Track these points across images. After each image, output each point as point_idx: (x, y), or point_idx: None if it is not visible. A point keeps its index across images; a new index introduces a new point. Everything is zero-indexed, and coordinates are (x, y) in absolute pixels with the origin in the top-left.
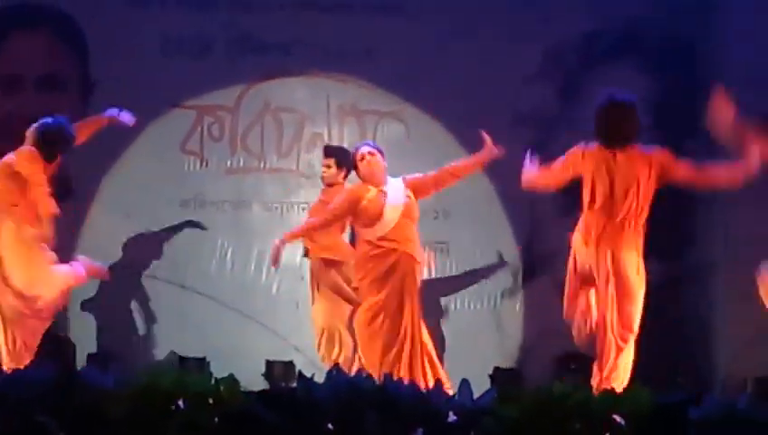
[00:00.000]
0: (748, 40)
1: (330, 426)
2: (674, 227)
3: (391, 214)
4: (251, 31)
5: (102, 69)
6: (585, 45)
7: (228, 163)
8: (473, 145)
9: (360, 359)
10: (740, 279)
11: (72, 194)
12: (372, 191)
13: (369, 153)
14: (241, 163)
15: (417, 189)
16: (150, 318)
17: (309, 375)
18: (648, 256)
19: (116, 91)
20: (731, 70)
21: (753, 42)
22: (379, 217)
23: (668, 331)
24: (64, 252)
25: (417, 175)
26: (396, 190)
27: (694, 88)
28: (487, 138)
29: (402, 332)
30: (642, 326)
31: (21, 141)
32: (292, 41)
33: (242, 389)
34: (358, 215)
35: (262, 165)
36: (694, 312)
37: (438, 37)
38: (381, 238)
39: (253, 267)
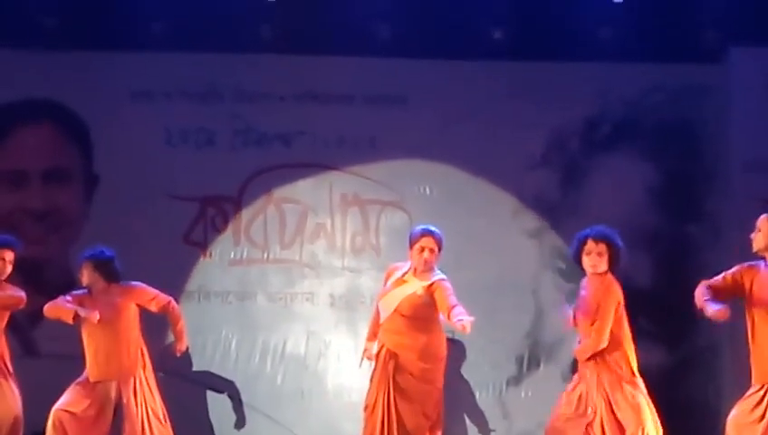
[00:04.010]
0: (748, 122)
1: None
2: (679, 312)
3: (385, 305)
4: (253, 122)
5: (107, 161)
6: (587, 130)
7: (232, 254)
8: (476, 233)
9: None
10: (742, 362)
11: (76, 285)
12: (396, 275)
13: (430, 250)
14: (245, 254)
15: (432, 301)
16: None
17: None
18: (654, 340)
19: (120, 184)
20: (731, 153)
21: (753, 124)
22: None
23: (675, 413)
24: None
25: (449, 290)
26: (410, 287)
27: (695, 171)
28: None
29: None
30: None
31: (25, 235)
32: (294, 132)
33: None
34: None
35: (265, 256)
36: (700, 394)
37: (440, 126)
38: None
39: (257, 358)
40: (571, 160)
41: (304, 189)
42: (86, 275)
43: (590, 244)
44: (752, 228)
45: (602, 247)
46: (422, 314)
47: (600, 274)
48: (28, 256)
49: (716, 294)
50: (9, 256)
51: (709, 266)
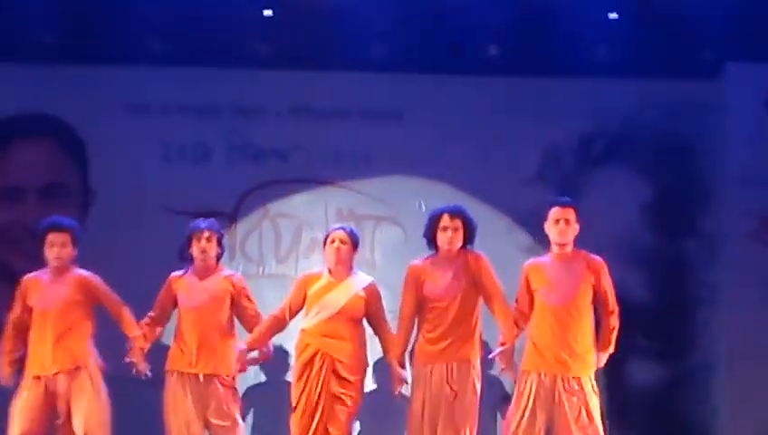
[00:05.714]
0: (744, 139)
1: None
2: (675, 329)
3: (324, 308)
4: (250, 137)
5: (103, 176)
6: (582, 147)
7: None
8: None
9: None
10: (739, 380)
11: None
12: (322, 281)
13: (341, 240)
14: (240, 269)
15: (369, 304)
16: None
17: None
18: (650, 357)
19: (116, 198)
20: (727, 169)
21: (749, 141)
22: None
23: (671, 431)
24: None
25: (378, 299)
26: (348, 288)
27: (691, 187)
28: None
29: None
30: (647, 426)
31: (21, 249)
32: (290, 147)
33: None
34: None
35: (260, 271)
36: (695, 411)
37: (436, 142)
38: (304, 330)
39: (253, 373)
40: (566, 176)
41: (300, 204)
42: (215, 248)
43: (446, 219)
44: (748, 245)
45: (458, 223)
46: (360, 316)
47: (457, 251)
48: (27, 270)
49: None
50: None
51: (705, 283)
